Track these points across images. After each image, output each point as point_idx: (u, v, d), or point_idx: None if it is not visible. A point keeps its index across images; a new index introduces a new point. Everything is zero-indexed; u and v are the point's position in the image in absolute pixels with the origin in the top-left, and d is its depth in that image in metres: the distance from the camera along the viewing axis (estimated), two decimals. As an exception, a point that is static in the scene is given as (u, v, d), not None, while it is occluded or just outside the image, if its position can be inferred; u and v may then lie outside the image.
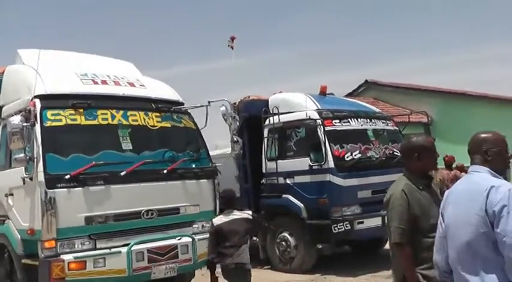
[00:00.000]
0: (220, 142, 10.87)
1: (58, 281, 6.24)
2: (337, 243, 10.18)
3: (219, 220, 6.35)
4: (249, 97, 11.20)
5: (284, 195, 10.24)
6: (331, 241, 9.77)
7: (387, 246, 10.40)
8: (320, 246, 9.81)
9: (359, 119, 10.72)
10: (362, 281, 9.13)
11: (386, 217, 4.04)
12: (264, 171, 10.63)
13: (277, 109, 10.42)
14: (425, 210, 3.78)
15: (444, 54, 42.92)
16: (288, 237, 10.25)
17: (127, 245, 6.62)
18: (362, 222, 9.68)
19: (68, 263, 6.26)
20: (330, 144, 9.81)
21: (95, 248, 6.56)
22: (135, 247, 6.61)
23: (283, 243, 10.31)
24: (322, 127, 9.90)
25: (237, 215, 6.28)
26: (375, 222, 9.68)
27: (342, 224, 9.54)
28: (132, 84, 7.74)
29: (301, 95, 10.73)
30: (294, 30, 48.18)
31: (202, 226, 7.57)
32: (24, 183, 6.64)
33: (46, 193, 6.33)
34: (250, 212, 6.57)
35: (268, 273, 10.35)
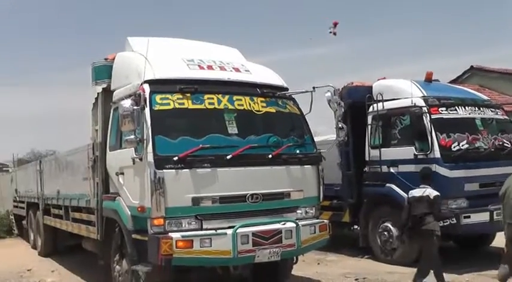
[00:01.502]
0: (320, 128, 10.80)
1: (166, 257, 6.41)
2: (442, 238, 9.79)
3: (413, 193, 8.12)
4: (352, 83, 11.01)
5: (387, 184, 10.01)
6: (435, 234, 9.42)
7: (494, 243, 9.97)
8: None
9: (466, 107, 10.25)
10: (466, 279, 8.70)
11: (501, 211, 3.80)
12: (367, 159, 10.45)
13: (382, 96, 10.23)
14: None
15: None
16: (391, 227, 10.03)
17: (232, 227, 6.68)
18: (469, 217, 9.25)
19: (176, 241, 6.41)
20: (436, 133, 9.50)
21: (201, 229, 6.69)
22: (240, 230, 6.65)
23: (385, 233, 10.13)
24: (428, 115, 9.60)
25: (427, 191, 7.96)
26: (482, 217, 9.27)
27: (447, 217, 9.17)
28: (237, 70, 7.77)
29: (406, 81, 10.42)
30: (398, 15, 46.87)
31: (306, 212, 7.53)
32: (134, 163, 6.87)
33: (155, 173, 6.51)
34: (434, 193, 7.95)
35: (368, 263, 10.21)
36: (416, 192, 8.09)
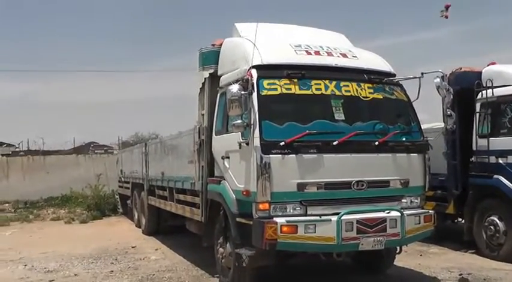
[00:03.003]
0: (422, 116, 10.45)
1: (270, 241, 6.46)
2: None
3: None
4: (460, 68, 10.54)
5: (495, 176, 9.54)
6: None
7: None
8: (534, 236, 9.05)
9: None
10: None
11: None
12: (474, 148, 10.02)
13: (491, 82, 9.77)
14: None
15: None
16: (497, 221, 9.59)
17: (336, 214, 6.64)
18: None
19: (281, 226, 6.44)
20: (549, 122, 8.91)
21: (306, 214, 6.69)
22: (345, 217, 6.60)
23: (492, 227, 9.68)
24: (541, 103, 9.00)
25: None
26: None
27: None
28: (344, 55, 7.67)
29: None
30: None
31: (411, 201, 7.35)
32: (240, 148, 6.98)
33: (261, 158, 6.56)
34: None
35: (473, 258, 9.82)
36: None
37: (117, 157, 20.06)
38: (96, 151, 27.80)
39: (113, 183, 19.68)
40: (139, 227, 14.67)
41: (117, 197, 19.20)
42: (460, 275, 8.52)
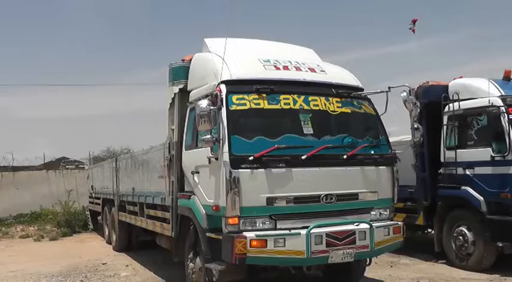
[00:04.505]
0: (392, 129, 10.63)
1: (240, 256, 6.46)
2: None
3: None
4: (428, 82, 10.75)
5: (463, 187, 9.71)
6: (514, 240, 9.04)
7: None
8: (501, 245, 9.17)
9: (548, 108, 9.74)
10: None
11: None
12: (442, 160, 10.20)
13: (458, 95, 9.98)
14: None
15: None
16: (466, 231, 9.74)
17: (306, 227, 6.67)
18: None
19: (250, 240, 6.45)
20: (514, 134, 9.05)
21: (275, 228, 6.71)
22: (314, 230, 6.64)
23: (460, 237, 9.83)
24: (506, 115, 9.22)
25: None
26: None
27: (527, 222, 8.79)
28: (312, 70, 7.75)
29: (484, 80, 10.07)
30: (476, 11, 45.50)
31: (380, 213, 7.44)
32: (209, 163, 6.97)
33: (231, 173, 6.57)
34: None
35: (442, 268, 9.95)
36: None
37: (87, 173, 19.82)
38: (67, 166, 27.34)
39: (83, 199, 19.41)
40: (110, 244, 14.50)
41: (87, 213, 18.90)
42: (430, 285, 8.64)
